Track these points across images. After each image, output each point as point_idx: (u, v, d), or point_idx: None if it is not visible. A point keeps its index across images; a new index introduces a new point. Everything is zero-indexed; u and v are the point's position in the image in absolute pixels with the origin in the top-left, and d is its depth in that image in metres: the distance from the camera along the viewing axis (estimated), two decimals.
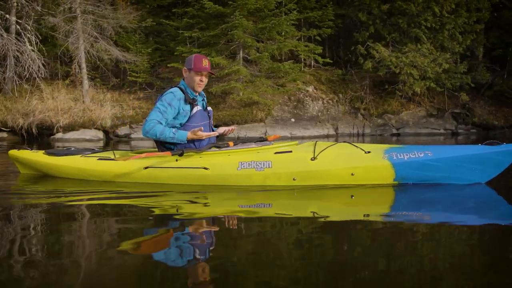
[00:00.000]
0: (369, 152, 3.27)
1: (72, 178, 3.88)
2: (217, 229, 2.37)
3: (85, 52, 12.53)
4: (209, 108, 3.69)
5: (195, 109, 3.47)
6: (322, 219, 2.55)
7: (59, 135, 12.06)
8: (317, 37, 14.66)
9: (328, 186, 3.29)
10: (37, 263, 1.80)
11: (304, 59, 15.01)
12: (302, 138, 12.44)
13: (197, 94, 3.54)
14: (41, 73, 12.12)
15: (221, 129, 3.64)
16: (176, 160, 3.42)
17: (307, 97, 14.24)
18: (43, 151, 4.11)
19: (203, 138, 3.43)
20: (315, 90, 14.58)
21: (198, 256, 1.88)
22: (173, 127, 3.44)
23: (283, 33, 13.19)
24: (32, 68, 11.89)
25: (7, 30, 12.33)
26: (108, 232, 2.33)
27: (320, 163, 3.24)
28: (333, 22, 14.81)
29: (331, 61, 14.95)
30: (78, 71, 12.90)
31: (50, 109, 12.24)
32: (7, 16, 12.45)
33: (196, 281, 1.62)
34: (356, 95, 14.80)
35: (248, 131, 12.21)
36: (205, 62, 3.44)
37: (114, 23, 12.80)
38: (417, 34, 13.91)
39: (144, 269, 1.74)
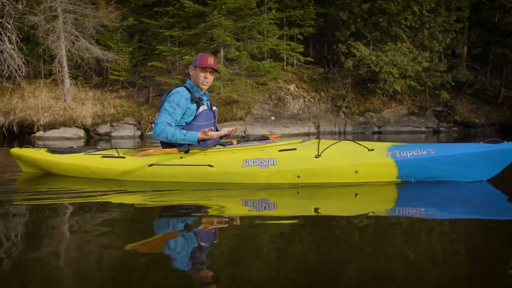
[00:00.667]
0: (372, 149, 3.30)
1: (74, 177, 3.82)
2: (221, 228, 2.36)
3: (66, 51, 12.61)
4: (214, 108, 3.71)
5: (201, 108, 3.50)
6: (327, 218, 2.55)
7: (39, 133, 12.14)
8: (299, 36, 14.75)
9: (332, 184, 3.30)
10: (39, 262, 1.81)
11: (287, 58, 15.11)
12: (282, 136, 12.54)
13: (202, 92, 3.56)
14: (21, 72, 12.18)
15: (225, 130, 3.60)
16: (181, 158, 3.42)
17: (288, 95, 14.34)
18: (46, 149, 4.05)
19: (213, 137, 3.45)
20: (296, 89, 14.68)
21: (202, 256, 1.88)
22: (179, 125, 3.48)
23: (265, 32, 13.28)
24: (12, 66, 11.94)
25: None
26: (111, 231, 2.29)
27: (325, 160, 3.27)
28: (315, 21, 14.91)
29: (313, 60, 15.05)
30: (59, 70, 12.97)
31: (31, 107, 12.33)
32: None
33: (200, 280, 1.61)
34: (338, 93, 14.91)
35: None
36: (210, 60, 3.46)
37: (95, 22, 12.87)
38: (397, 33, 14.02)
39: (147, 268, 1.72)
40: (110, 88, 14.07)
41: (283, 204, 2.96)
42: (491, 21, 16.08)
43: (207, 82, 3.52)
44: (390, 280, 1.61)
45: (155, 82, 13.64)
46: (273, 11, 12.86)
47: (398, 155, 3.25)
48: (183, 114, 3.45)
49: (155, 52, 12.99)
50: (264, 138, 3.68)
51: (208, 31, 12.12)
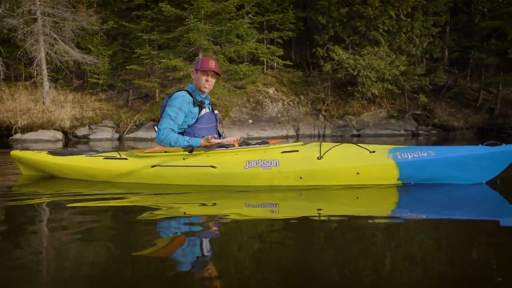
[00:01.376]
0: (373, 151, 3.36)
1: (75, 179, 3.80)
2: (224, 230, 2.38)
3: (45, 54, 12.68)
4: (216, 112, 3.75)
5: (203, 111, 3.55)
6: (329, 220, 2.58)
7: (17, 135, 12.20)
8: (279, 40, 14.89)
9: (334, 187, 3.34)
10: (41, 264, 1.82)
11: (267, 61, 15.24)
12: (259, 139, 12.66)
13: (204, 95, 3.61)
14: (0, 74, 12.26)
15: (229, 139, 3.63)
16: (184, 159, 3.44)
17: (266, 98, 14.47)
18: (47, 151, 4.04)
19: (215, 144, 3.46)
20: (276, 92, 14.81)
21: (205, 258, 1.90)
22: (181, 128, 3.53)
23: (245, 36, 13.40)
24: None
25: None
26: (114, 234, 2.32)
27: (327, 162, 3.32)
28: (295, 25, 15.06)
29: (292, 63, 15.19)
30: (38, 73, 13.04)
31: (8, 110, 12.39)
32: None
33: (203, 282, 1.63)
34: (318, 96, 15.05)
35: None
36: (212, 63, 3.49)
37: (74, 25, 12.96)
38: (375, 36, 14.19)
39: (151, 270, 1.74)
40: (90, 91, 14.15)
41: (286, 207, 2.99)
42: (469, 25, 16.26)
43: (208, 85, 3.56)
44: (392, 281, 1.63)
45: (135, 85, 13.74)
46: (250, 15, 12.98)
47: (399, 157, 3.30)
48: (185, 117, 3.49)
49: (133, 56, 13.09)
50: (264, 143, 3.73)
51: (185, 35, 12.24)
